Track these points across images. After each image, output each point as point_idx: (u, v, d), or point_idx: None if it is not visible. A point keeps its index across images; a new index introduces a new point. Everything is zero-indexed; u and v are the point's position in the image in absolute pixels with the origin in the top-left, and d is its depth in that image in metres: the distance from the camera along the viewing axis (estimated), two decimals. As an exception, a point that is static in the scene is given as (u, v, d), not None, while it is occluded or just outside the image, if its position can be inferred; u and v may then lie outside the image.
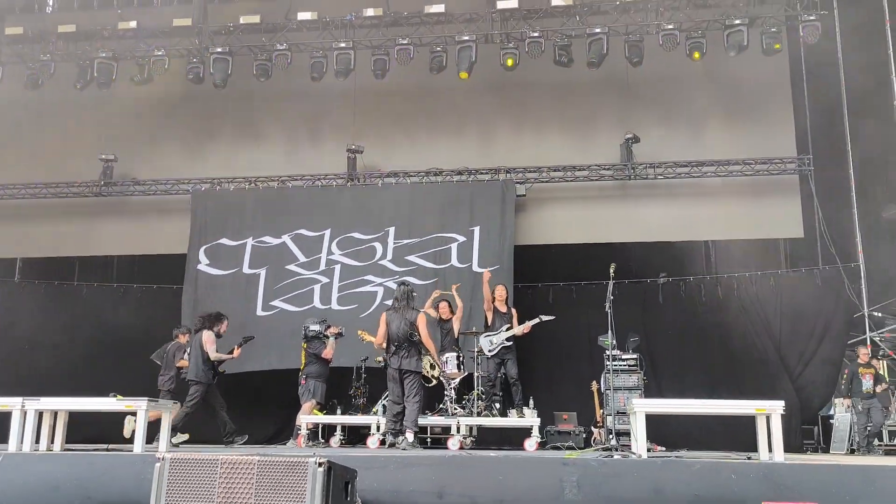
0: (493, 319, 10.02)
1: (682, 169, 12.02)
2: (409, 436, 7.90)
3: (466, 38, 11.59)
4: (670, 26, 11.23)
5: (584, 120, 12.49)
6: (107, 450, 7.26)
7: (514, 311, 10.11)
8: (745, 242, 12.05)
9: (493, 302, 10.04)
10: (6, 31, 12.56)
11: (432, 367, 9.00)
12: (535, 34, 11.51)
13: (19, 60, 12.45)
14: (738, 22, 11.15)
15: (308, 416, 9.21)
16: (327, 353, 9.55)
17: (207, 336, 9.23)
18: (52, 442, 7.27)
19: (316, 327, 9.58)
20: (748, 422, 6.64)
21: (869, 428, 10.25)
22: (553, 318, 9.93)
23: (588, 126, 12.46)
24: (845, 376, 10.62)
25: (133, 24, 12.21)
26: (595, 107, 12.43)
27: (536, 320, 9.82)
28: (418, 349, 8.20)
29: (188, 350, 9.66)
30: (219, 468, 4.12)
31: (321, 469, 4.05)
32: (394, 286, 10.60)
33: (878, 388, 10.37)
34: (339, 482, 4.18)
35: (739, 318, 11.50)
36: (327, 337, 9.57)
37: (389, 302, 10.92)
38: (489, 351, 9.85)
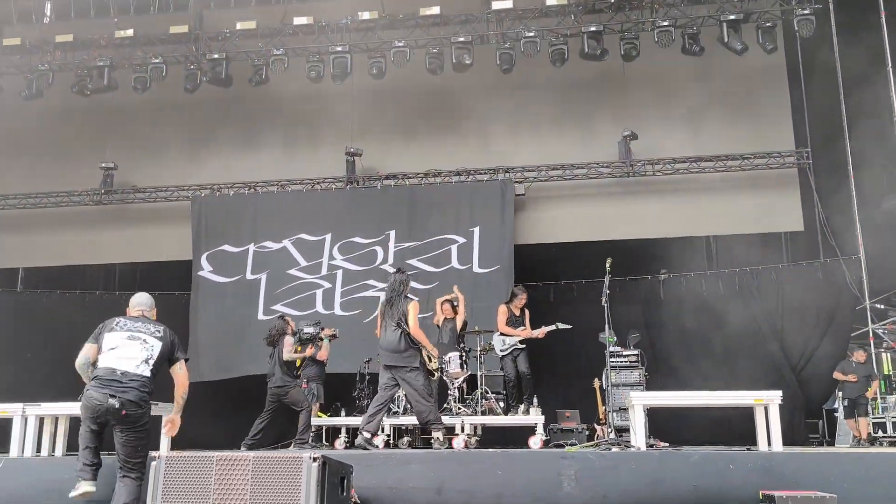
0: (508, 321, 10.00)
1: (681, 165, 12.03)
2: (440, 435, 7.51)
3: (462, 39, 11.63)
4: (665, 23, 11.24)
5: (582, 118, 12.51)
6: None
7: (527, 311, 10.09)
8: (746, 237, 12.01)
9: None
10: (4, 41, 12.63)
11: (430, 359, 8.61)
12: (531, 34, 11.53)
13: (17, 71, 12.54)
14: (732, 17, 11.15)
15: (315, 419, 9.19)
16: (321, 354, 9.52)
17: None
18: (54, 447, 7.29)
19: (310, 330, 9.51)
20: (752, 417, 6.62)
21: None
22: (570, 327, 9.74)
23: (586, 124, 12.48)
24: None
25: (129, 32, 12.27)
26: (592, 105, 12.45)
27: (553, 327, 9.73)
28: (414, 343, 7.50)
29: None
30: (214, 465, 4.13)
31: (316, 464, 4.06)
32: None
33: None
34: (334, 477, 4.19)
35: (741, 313, 11.44)
36: (321, 339, 9.52)
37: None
38: (500, 350, 9.84)
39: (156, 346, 5.26)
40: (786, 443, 6.64)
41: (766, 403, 6.16)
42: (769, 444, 6.16)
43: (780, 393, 6.18)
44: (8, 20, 13.49)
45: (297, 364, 8.86)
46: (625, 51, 11.42)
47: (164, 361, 5.30)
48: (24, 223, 13.36)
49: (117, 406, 4.96)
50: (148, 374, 5.17)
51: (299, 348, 9.16)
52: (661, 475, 5.38)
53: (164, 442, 7.30)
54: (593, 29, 11.36)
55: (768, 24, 11.21)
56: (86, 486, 5.12)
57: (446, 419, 8.82)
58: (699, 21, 11.33)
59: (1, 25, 13.31)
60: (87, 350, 5.39)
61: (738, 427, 9.39)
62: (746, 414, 7.04)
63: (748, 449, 6.31)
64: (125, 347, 5.20)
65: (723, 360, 11.33)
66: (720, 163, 11.94)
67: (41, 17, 13.89)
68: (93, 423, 5.10)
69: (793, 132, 11.93)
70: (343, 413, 9.74)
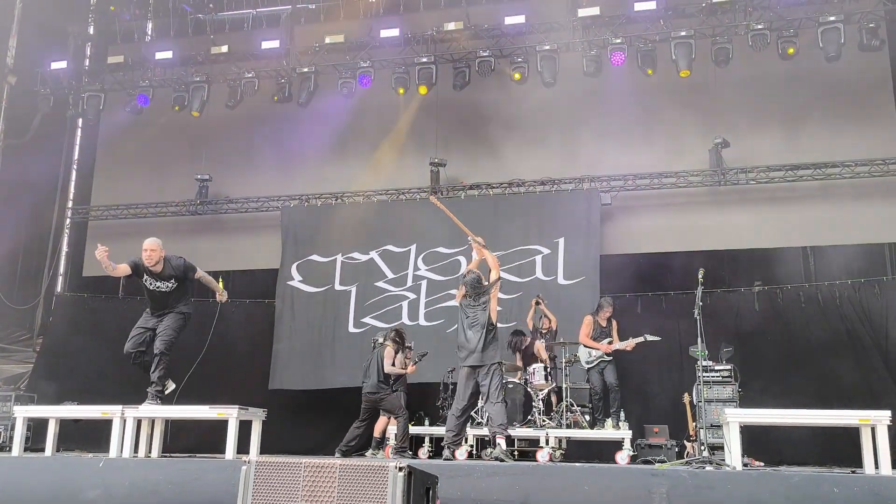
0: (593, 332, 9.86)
1: (776, 173, 11.57)
2: (502, 443, 7.25)
3: (548, 47, 11.55)
4: (760, 26, 10.87)
5: (671, 126, 12.19)
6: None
7: (614, 322, 9.91)
8: (847, 248, 11.43)
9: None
10: (108, 59, 13.34)
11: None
12: (618, 41, 11.35)
13: (121, 87, 13.17)
14: (832, 19, 10.67)
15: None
16: (411, 369, 9.53)
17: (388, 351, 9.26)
18: (150, 449, 7.54)
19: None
20: (853, 437, 6.27)
21: None
22: (658, 339, 9.62)
23: (674, 132, 12.16)
24: None
25: (224, 48, 12.74)
26: (681, 112, 12.11)
27: (641, 339, 9.56)
28: (495, 335, 7.53)
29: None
30: (302, 471, 4.18)
31: (402, 474, 4.05)
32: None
33: None
34: (419, 487, 4.17)
35: (843, 328, 10.91)
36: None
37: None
38: (587, 362, 9.69)
39: None
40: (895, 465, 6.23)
41: (874, 424, 5.80)
42: (877, 467, 5.79)
43: (888, 413, 5.81)
44: (112, 39, 14.20)
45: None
46: (716, 56, 11.10)
47: None
48: (126, 232, 13.90)
49: None
50: None
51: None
52: (760, 497, 5.14)
53: (255, 445, 7.46)
54: (683, 34, 11.09)
55: (871, 25, 10.69)
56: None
57: (530, 431, 8.74)
58: (796, 23, 10.90)
59: (106, 45, 14.00)
60: None
61: (840, 447, 8.96)
62: (849, 433, 6.68)
63: (853, 472, 5.96)
64: None
65: (823, 376, 10.76)
66: (818, 170, 11.42)
67: (143, 36, 14.59)
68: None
69: (899, 138, 11.31)
70: (426, 423, 9.74)
